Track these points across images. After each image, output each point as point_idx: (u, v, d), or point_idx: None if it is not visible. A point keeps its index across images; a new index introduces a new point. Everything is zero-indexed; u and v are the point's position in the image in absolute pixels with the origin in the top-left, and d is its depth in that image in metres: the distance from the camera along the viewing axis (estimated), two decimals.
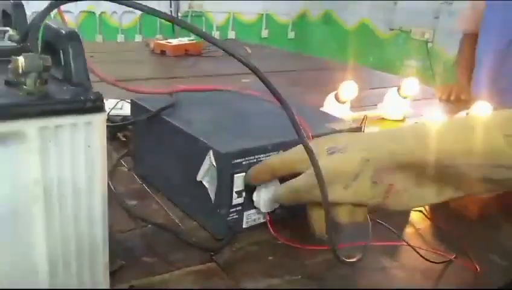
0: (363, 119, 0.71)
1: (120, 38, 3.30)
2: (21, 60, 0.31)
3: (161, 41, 1.55)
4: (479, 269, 0.53)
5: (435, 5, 2.98)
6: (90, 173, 0.33)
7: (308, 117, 0.65)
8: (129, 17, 3.32)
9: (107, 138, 0.74)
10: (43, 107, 0.31)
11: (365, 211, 0.47)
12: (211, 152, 0.52)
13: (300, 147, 0.46)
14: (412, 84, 1.02)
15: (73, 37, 0.35)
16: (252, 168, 0.51)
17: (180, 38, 1.59)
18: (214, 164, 0.51)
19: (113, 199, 0.58)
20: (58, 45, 0.35)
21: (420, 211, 0.65)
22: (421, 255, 0.52)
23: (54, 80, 0.35)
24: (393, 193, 0.45)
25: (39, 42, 0.37)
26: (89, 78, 0.34)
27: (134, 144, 0.69)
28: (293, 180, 0.48)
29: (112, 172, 0.66)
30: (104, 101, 0.77)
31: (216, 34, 3.56)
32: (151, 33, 3.32)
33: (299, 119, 0.58)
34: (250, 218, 0.55)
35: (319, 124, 0.62)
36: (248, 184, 0.52)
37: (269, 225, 0.55)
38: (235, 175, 0.52)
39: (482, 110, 0.88)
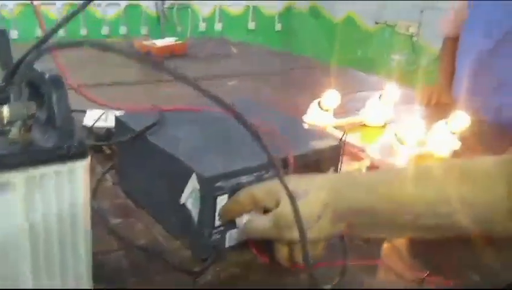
0: (344, 133, 0.72)
1: (104, 30, 3.26)
2: (6, 110, 0.32)
3: (146, 43, 1.54)
4: (452, 284, 0.55)
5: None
6: (74, 215, 0.34)
7: (291, 133, 0.66)
8: (113, 9, 3.28)
9: (92, 149, 0.75)
10: (28, 157, 0.31)
11: (324, 245, 0.53)
12: (194, 175, 0.53)
13: (269, 183, 0.53)
14: (393, 91, 1.03)
15: (56, 82, 0.35)
16: (222, 207, 0.54)
17: (165, 39, 1.59)
18: (197, 187, 0.53)
19: (97, 217, 0.59)
20: (42, 87, 0.36)
21: None
22: (396, 274, 0.54)
23: (37, 122, 0.35)
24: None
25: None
26: (73, 123, 0.35)
27: (119, 160, 0.69)
28: (262, 219, 0.52)
29: (96, 187, 0.67)
30: (88, 111, 0.77)
31: (203, 26, 3.54)
32: (135, 25, 3.29)
33: (281, 138, 0.60)
34: (232, 237, 0.57)
35: (301, 142, 0.63)
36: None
37: (250, 245, 0.56)
38: (218, 197, 0.53)
39: (460, 120, 0.90)
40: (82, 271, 0.37)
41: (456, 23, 1.37)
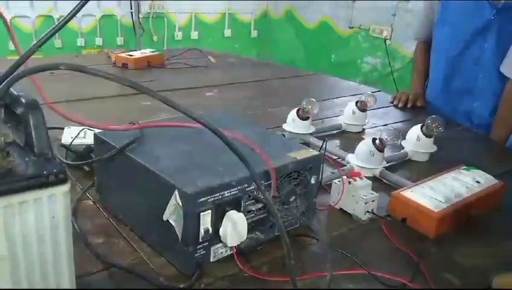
0: (323, 142, 0.73)
1: (80, 41, 3.23)
2: None
3: (122, 54, 1.53)
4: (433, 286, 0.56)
5: (392, 3, 3.05)
6: (55, 241, 0.34)
7: (271, 145, 0.67)
8: (88, 20, 3.25)
9: (72, 168, 0.74)
10: (6, 186, 0.31)
11: None
12: (176, 192, 0.53)
13: None
14: (369, 98, 1.05)
15: (33, 106, 0.35)
16: None
17: (142, 51, 1.58)
18: (180, 203, 0.53)
19: (79, 238, 0.59)
20: (18, 111, 0.35)
21: (379, 231, 0.68)
22: (380, 281, 0.55)
23: (15, 146, 0.35)
24: None
25: None
26: (51, 148, 0.35)
27: (99, 178, 0.69)
28: None
29: (77, 207, 0.66)
30: (66, 129, 0.76)
31: (179, 35, 3.53)
32: (111, 36, 3.26)
33: (260, 151, 0.60)
34: (217, 252, 0.57)
35: (282, 154, 0.63)
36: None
37: (236, 258, 0.56)
38: (202, 213, 0.53)
39: (435, 125, 0.92)
40: None
41: (426, 25, 1.40)
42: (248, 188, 0.57)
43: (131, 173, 0.61)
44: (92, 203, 0.69)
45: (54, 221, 0.33)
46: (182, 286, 0.53)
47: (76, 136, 0.78)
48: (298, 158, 0.63)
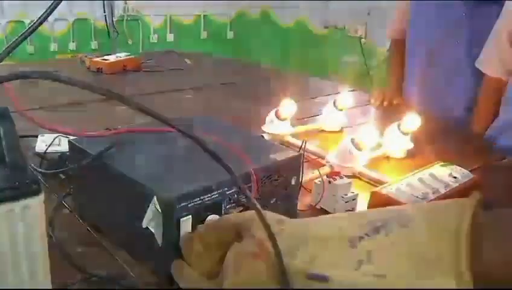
0: (303, 142, 0.73)
1: (53, 46, 3.17)
2: None
3: (97, 59, 1.51)
4: None
5: (367, 2, 3.08)
6: (30, 254, 0.33)
7: (250, 147, 0.67)
8: (61, 24, 3.19)
9: (47, 176, 0.72)
10: None
11: None
12: (154, 198, 0.52)
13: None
14: (346, 95, 1.06)
15: (2, 115, 0.34)
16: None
17: (117, 54, 1.55)
18: (159, 209, 0.52)
19: (56, 249, 0.57)
20: None
21: None
22: None
23: None
24: None
25: None
26: (24, 157, 0.34)
27: (75, 187, 0.67)
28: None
29: (53, 216, 0.65)
30: (40, 136, 0.74)
31: (155, 38, 3.50)
32: (84, 40, 3.21)
33: (239, 153, 0.60)
34: None
35: (261, 155, 0.63)
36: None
37: None
38: (182, 219, 0.52)
39: (412, 122, 0.93)
40: None
41: (400, 24, 1.42)
42: (228, 192, 0.57)
43: (107, 180, 0.59)
44: (69, 212, 0.68)
45: (28, 232, 0.32)
46: None
47: (50, 144, 0.76)
48: (278, 159, 0.63)
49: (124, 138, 0.64)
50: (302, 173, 0.68)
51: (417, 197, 0.70)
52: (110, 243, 0.61)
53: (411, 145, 0.96)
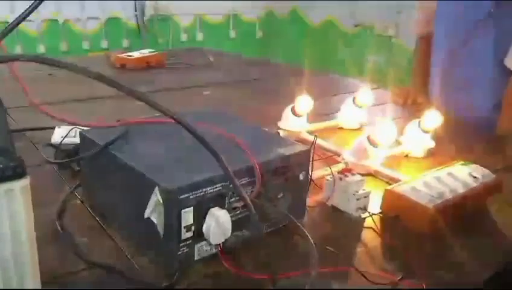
0: (314, 137, 0.71)
1: (85, 45, 3.24)
2: None
3: (121, 55, 1.53)
4: (424, 286, 0.54)
5: (397, 1, 3.02)
6: (16, 238, 0.33)
7: (258, 141, 0.66)
8: (93, 23, 3.26)
9: (61, 167, 0.73)
10: None
11: None
12: (156, 188, 0.52)
13: None
14: (366, 94, 1.03)
15: None
16: None
17: (141, 51, 1.57)
18: (161, 200, 0.51)
19: (62, 238, 0.58)
20: None
21: (371, 228, 0.66)
22: (367, 279, 0.54)
23: None
24: None
25: None
26: (12, 143, 0.34)
27: (86, 177, 0.68)
28: None
29: (63, 206, 0.66)
30: (57, 128, 0.76)
31: (184, 37, 3.53)
32: (116, 38, 3.26)
33: (243, 146, 0.59)
34: (201, 250, 0.56)
35: (268, 149, 0.62)
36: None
37: (221, 256, 0.55)
38: (183, 210, 0.52)
39: (432, 119, 0.90)
40: None
41: (426, 22, 1.38)
42: (231, 185, 0.56)
43: (114, 170, 0.60)
44: (79, 202, 0.68)
45: (13, 216, 0.32)
46: (164, 284, 0.52)
47: (66, 136, 0.78)
48: (285, 153, 0.62)
49: (133, 130, 0.65)
50: (312, 168, 0.66)
51: (433, 196, 0.68)
52: (117, 233, 0.61)
53: (432, 144, 0.93)
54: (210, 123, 0.67)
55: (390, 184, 0.75)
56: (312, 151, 0.66)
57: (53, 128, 0.82)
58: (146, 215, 0.53)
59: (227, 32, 3.75)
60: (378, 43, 3.24)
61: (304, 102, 0.94)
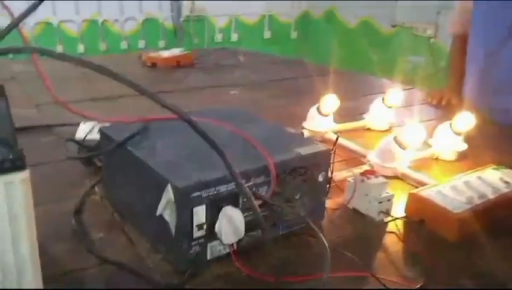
0: (336, 137, 0.70)
1: (123, 45, 3.31)
2: None
3: (152, 54, 1.54)
4: None
5: (437, 1, 2.94)
6: (15, 232, 0.33)
7: (277, 140, 0.64)
8: (131, 24, 3.33)
9: (85, 163, 0.74)
10: None
11: None
12: (169, 186, 0.51)
13: None
14: (396, 94, 1.00)
15: None
16: None
17: (172, 50, 1.59)
18: (173, 198, 0.51)
19: (78, 233, 0.58)
20: None
21: (394, 232, 0.64)
22: (385, 286, 0.51)
23: None
24: None
25: None
26: (14, 135, 0.34)
27: (105, 173, 0.68)
28: None
29: (83, 201, 0.66)
30: (82, 124, 0.76)
31: (219, 37, 3.55)
32: (153, 39, 3.32)
33: (257, 145, 0.58)
34: (214, 249, 0.55)
35: (287, 149, 0.60)
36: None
37: (233, 256, 0.54)
38: (195, 209, 0.51)
39: (465, 121, 0.86)
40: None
41: (462, 21, 1.32)
42: (246, 184, 0.55)
43: (129, 167, 0.60)
44: (98, 198, 0.69)
45: (12, 209, 0.32)
46: (174, 283, 0.51)
47: (89, 132, 0.78)
48: (303, 153, 0.60)
49: (152, 127, 0.65)
50: (333, 169, 0.64)
51: (460, 201, 0.65)
52: (133, 230, 0.61)
53: (464, 147, 0.89)
54: (228, 121, 0.66)
55: (417, 188, 0.72)
56: (333, 151, 0.64)
57: (77, 124, 0.83)
58: (158, 213, 0.53)
59: (262, 33, 3.75)
60: (416, 43, 3.16)
61: (330, 101, 0.91)
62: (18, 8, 0.43)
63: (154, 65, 1.51)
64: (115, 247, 0.58)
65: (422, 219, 0.65)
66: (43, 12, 2.89)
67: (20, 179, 0.32)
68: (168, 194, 0.51)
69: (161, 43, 3.34)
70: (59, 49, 3.02)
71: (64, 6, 2.95)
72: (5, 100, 0.33)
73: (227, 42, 3.54)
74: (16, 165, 0.32)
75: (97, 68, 0.34)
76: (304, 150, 0.60)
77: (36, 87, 0.59)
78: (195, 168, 0.54)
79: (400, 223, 0.66)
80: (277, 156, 0.57)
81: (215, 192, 0.52)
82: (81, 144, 0.76)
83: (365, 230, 0.65)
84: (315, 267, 0.52)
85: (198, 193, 0.51)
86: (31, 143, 0.89)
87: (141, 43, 3.34)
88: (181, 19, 3.42)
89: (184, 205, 0.51)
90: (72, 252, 0.55)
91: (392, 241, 0.62)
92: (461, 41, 1.35)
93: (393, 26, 3.36)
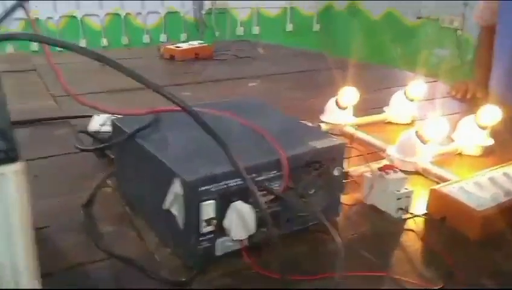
0: (349, 134, 0.67)
1: (146, 39, 3.32)
2: None
3: (170, 46, 1.53)
4: None
5: None
6: (8, 227, 0.31)
7: (290, 133, 0.62)
8: (153, 17, 3.34)
9: (99, 155, 0.73)
10: None
11: None
12: (176, 179, 0.50)
13: None
14: (418, 86, 0.96)
15: None
16: None
17: (190, 42, 1.57)
18: (180, 192, 0.49)
19: (87, 226, 0.58)
20: None
21: (412, 230, 0.61)
22: (401, 287, 0.49)
23: None
24: None
25: None
26: (9, 126, 0.32)
27: (117, 165, 0.67)
28: None
29: (94, 194, 0.65)
30: (96, 116, 0.75)
31: (240, 30, 3.53)
32: (175, 32, 3.32)
33: (269, 138, 0.56)
34: (224, 245, 0.53)
35: (300, 142, 0.58)
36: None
37: (244, 253, 0.52)
38: (203, 203, 0.49)
39: (491, 114, 0.82)
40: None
41: (489, 10, 1.27)
42: (258, 178, 0.53)
43: (139, 159, 0.58)
44: (111, 190, 0.68)
45: (5, 201, 0.31)
46: (182, 279, 0.50)
47: (104, 124, 0.78)
48: (318, 147, 0.58)
49: (163, 119, 0.63)
50: (348, 164, 0.62)
51: (484, 198, 0.61)
52: (142, 223, 0.60)
53: (490, 142, 0.85)
54: (242, 113, 0.64)
55: (439, 184, 0.69)
56: (350, 145, 0.61)
57: (91, 116, 0.82)
58: (165, 207, 0.51)
59: (284, 26, 3.71)
60: (442, 36, 3.07)
61: (349, 94, 0.89)
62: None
63: (172, 58, 1.50)
64: (124, 240, 0.57)
65: (444, 217, 0.63)
66: (67, 6, 2.92)
67: (12, 171, 0.31)
68: (176, 187, 0.50)
69: (183, 37, 3.34)
70: (82, 43, 3.04)
71: (87, 1, 2.98)
72: (2, 91, 0.32)
73: (248, 35, 3.51)
74: (9, 156, 0.30)
75: (97, 56, 0.33)
76: (319, 144, 0.58)
77: (55, 79, 0.58)
78: (204, 162, 0.52)
79: (419, 220, 0.63)
80: (290, 150, 0.55)
81: (224, 186, 0.50)
82: (94, 136, 0.75)
83: (383, 227, 0.62)
84: (329, 266, 0.50)
85: (206, 187, 0.49)
86: (47, 135, 0.89)
87: (163, 37, 3.35)
88: (203, 12, 3.42)
89: (192, 199, 0.49)
90: (81, 245, 0.54)
91: (411, 240, 0.60)
92: (488, 32, 1.29)
93: (419, 18, 3.28)
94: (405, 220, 0.63)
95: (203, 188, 0.49)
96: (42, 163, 0.76)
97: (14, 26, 2.68)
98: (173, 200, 0.51)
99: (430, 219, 0.63)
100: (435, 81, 1.33)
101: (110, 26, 3.21)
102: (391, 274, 0.51)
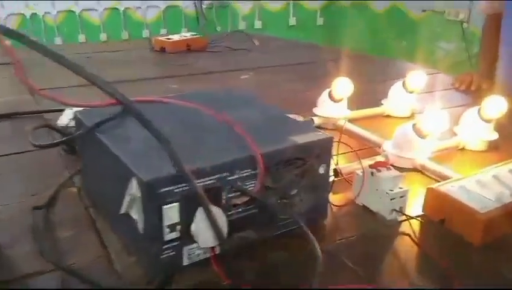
0: (341, 128, 0.60)
1: (145, 33, 3.27)
2: None
3: (161, 38, 1.47)
4: None
5: None
6: None
7: (275, 128, 0.56)
8: (153, 11, 3.28)
9: (67, 152, 0.67)
10: None
11: None
12: (133, 179, 0.44)
13: None
14: (417, 77, 0.90)
15: None
16: None
17: (182, 34, 1.51)
18: (137, 193, 0.43)
19: (39, 232, 0.52)
20: None
21: (408, 234, 0.55)
22: None
23: None
24: None
25: None
26: None
27: (82, 162, 0.61)
28: None
29: (56, 193, 0.59)
30: (67, 110, 0.69)
31: (242, 25, 3.47)
32: (175, 26, 3.26)
33: (242, 132, 0.50)
34: (192, 253, 0.47)
35: (280, 137, 0.52)
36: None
37: (213, 262, 0.46)
38: (165, 206, 0.43)
39: (496, 107, 0.75)
40: None
41: None
42: (230, 177, 0.47)
43: (100, 155, 0.52)
44: (75, 190, 0.62)
45: None
46: None
47: (72, 118, 0.72)
48: (299, 142, 0.51)
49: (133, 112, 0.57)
50: (334, 160, 0.56)
51: (488, 198, 0.55)
52: (105, 226, 0.54)
53: (494, 136, 0.78)
54: (223, 106, 0.58)
55: (438, 182, 0.62)
56: (338, 139, 0.55)
57: (62, 110, 0.77)
58: (122, 211, 0.45)
59: (286, 20, 3.64)
60: (448, 29, 2.99)
61: (342, 85, 0.82)
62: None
63: (163, 50, 1.44)
64: (82, 246, 0.51)
65: (442, 219, 0.56)
66: (65, 1, 2.87)
67: None
68: (133, 188, 0.44)
69: (183, 31, 3.28)
70: (81, 38, 2.99)
71: None
72: None
73: (250, 29, 3.45)
74: None
75: (41, 48, 0.27)
76: (301, 139, 0.52)
77: (37, 74, 0.52)
78: (169, 159, 0.46)
79: (415, 223, 0.57)
80: (268, 145, 0.49)
81: (189, 187, 0.44)
82: (62, 131, 0.69)
83: (373, 231, 0.56)
84: (311, 276, 0.44)
85: (168, 188, 0.43)
86: (17, 130, 0.84)
87: (163, 31, 3.29)
88: (204, 6, 3.35)
89: (151, 202, 0.43)
90: (33, 254, 0.48)
91: (406, 245, 0.53)
92: (494, 22, 1.22)
93: (424, 10, 3.20)
94: (399, 222, 0.57)
95: (164, 189, 0.43)
96: (2, 160, 0.71)
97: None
98: (130, 202, 0.45)
99: (427, 221, 0.57)
100: (438, 73, 1.26)
101: (109, 20, 3.16)
102: (381, 286, 0.45)
